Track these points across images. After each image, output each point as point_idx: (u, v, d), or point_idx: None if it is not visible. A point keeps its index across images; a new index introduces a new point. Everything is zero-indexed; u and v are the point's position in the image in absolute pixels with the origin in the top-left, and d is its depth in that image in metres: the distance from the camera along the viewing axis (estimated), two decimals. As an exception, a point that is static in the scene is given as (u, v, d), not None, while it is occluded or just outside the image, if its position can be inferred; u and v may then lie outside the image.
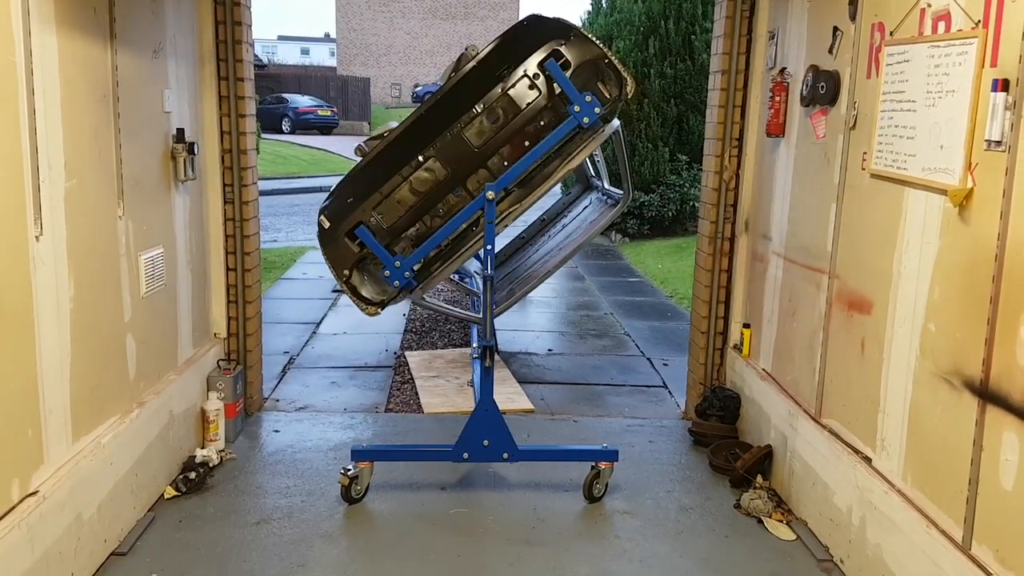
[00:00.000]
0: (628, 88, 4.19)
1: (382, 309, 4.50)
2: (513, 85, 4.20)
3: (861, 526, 3.54)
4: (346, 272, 4.40)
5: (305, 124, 32.69)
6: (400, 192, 4.31)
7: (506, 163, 4.26)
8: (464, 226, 4.31)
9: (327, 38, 62.21)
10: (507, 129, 4.23)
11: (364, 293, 4.45)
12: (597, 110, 4.07)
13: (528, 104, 4.20)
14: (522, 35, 4.30)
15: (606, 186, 6.07)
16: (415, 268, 4.30)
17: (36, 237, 3.09)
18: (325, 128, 33.26)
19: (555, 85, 4.12)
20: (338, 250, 4.37)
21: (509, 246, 7.29)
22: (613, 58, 4.19)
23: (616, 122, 4.52)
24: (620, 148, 5.20)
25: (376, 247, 4.27)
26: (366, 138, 4.55)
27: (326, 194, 4.66)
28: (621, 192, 5.72)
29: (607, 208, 5.96)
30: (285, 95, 33.90)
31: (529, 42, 4.23)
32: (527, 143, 4.22)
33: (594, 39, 4.23)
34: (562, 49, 4.16)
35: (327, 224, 4.38)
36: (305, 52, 65.02)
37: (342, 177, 4.36)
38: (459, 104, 4.26)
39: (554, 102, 4.18)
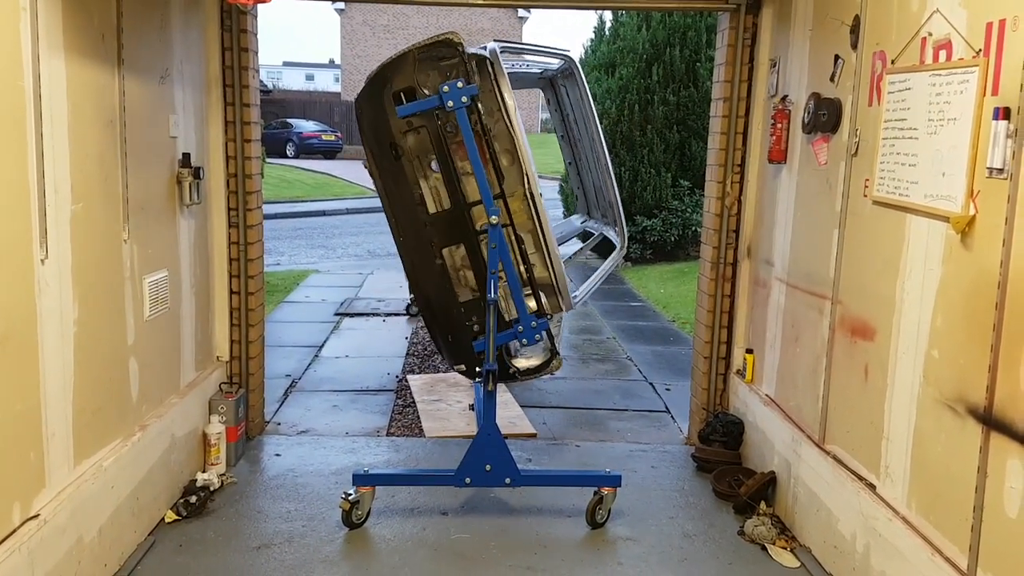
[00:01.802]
0: (454, 39, 4.17)
1: (559, 354, 4.50)
2: (411, 151, 4.27)
3: (865, 553, 3.52)
4: (511, 372, 4.45)
5: (309, 149, 32.83)
6: (465, 282, 4.38)
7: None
8: (514, 243, 4.31)
9: (332, 64, 62.59)
10: (451, 164, 4.25)
11: (536, 362, 4.49)
12: (460, 84, 4.08)
13: (432, 139, 4.24)
14: (370, 113, 4.35)
15: (554, 68, 6.17)
16: (531, 311, 4.30)
17: (41, 260, 3.10)
18: (329, 153, 33.40)
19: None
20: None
21: (573, 177, 7.36)
22: (420, 45, 4.19)
23: (490, 45, 4.55)
24: (517, 50, 5.28)
25: (499, 341, 4.27)
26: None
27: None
28: (561, 61, 5.83)
29: (572, 78, 6.07)
30: (290, 120, 34.06)
31: (378, 111, 4.28)
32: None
33: (398, 53, 4.25)
34: (395, 87, 4.21)
35: (466, 367, 4.46)
36: (310, 78, 65.42)
37: (428, 332, 4.41)
38: (410, 201, 4.33)
39: (440, 111, 4.18)
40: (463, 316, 4.35)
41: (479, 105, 4.19)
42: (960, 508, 2.91)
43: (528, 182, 4.34)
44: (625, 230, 5.22)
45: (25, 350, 3.03)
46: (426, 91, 4.17)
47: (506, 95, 4.34)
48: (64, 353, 3.29)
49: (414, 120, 4.21)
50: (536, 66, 6.09)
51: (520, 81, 6.40)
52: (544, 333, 4.34)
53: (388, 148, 4.31)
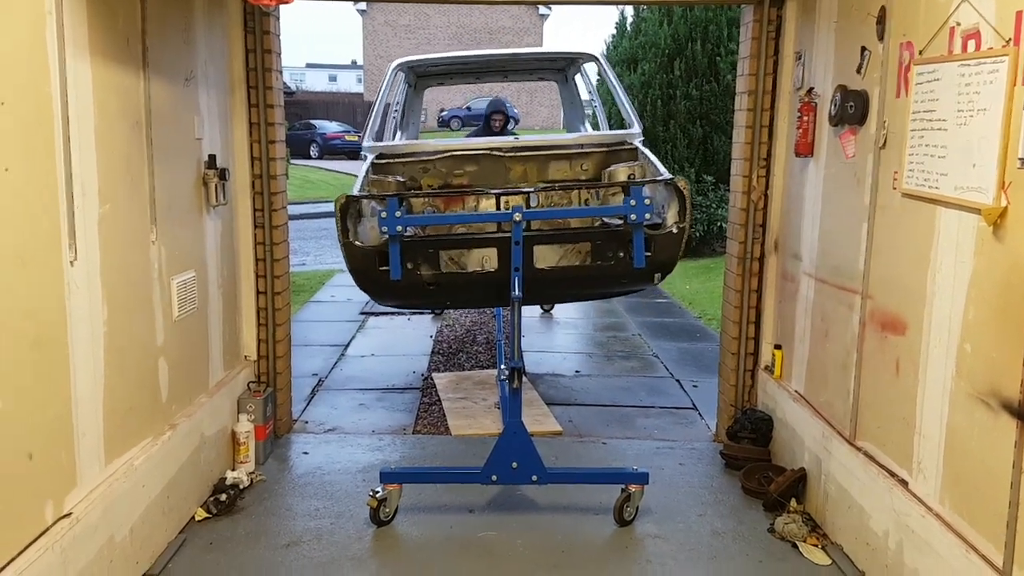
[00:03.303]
0: (341, 202, 4.83)
1: (672, 179, 5.07)
2: (431, 268, 4.86)
3: (898, 550, 3.48)
4: (676, 233, 4.93)
5: (333, 149, 33.00)
6: (576, 250, 4.87)
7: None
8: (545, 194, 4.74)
9: (354, 65, 62.90)
10: (452, 239, 4.90)
11: (675, 206, 4.98)
12: (383, 214, 4.50)
13: (423, 246, 4.87)
14: (397, 296, 5.19)
15: (405, 77, 7.15)
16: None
17: (71, 262, 3.13)
18: (353, 153, 33.50)
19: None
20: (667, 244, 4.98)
21: (523, 78, 8.48)
22: (338, 228, 4.82)
23: (364, 145, 5.52)
24: (376, 116, 6.13)
25: (639, 246, 4.72)
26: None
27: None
28: (400, 72, 6.84)
29: (421, 66, 7.13)
30: (313, 121, 34.28)
31: (395, 289, 4.94)
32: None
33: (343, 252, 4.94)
34: (378, 265, 4.78)
35: (660, 274, 5.09)
36: (333, 79, 65.79)
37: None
38: (479, 284, 4.97)
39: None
40: (611, 259, 4.67)
41: (407, 202, 4.55)
42: (995, 504, 2.87)
43: (494, 150, 4.48)
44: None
45: (56, 351, 3.07)
46: (384, 237, 4.61)
47: (415, 150, 4.65)
48: (94, 354, 3.33)
49: (405, 259, 4.62)
50: (400, 93, 6.75)
51: (412, 107, 7.69)
52: (645, 191, 4.54)
53: (427, 289, 4.79)
